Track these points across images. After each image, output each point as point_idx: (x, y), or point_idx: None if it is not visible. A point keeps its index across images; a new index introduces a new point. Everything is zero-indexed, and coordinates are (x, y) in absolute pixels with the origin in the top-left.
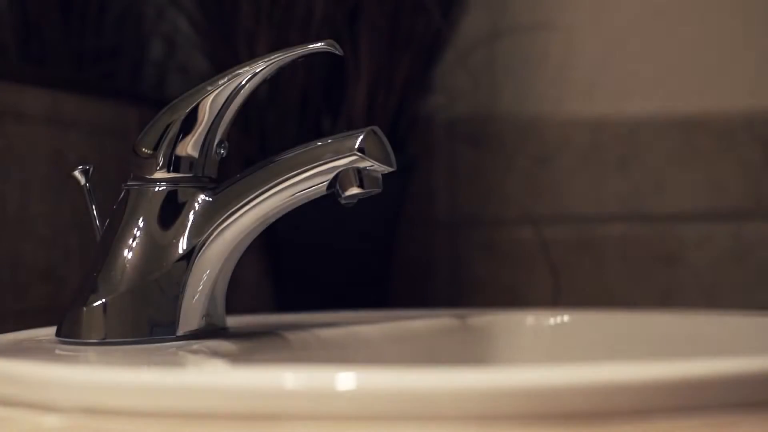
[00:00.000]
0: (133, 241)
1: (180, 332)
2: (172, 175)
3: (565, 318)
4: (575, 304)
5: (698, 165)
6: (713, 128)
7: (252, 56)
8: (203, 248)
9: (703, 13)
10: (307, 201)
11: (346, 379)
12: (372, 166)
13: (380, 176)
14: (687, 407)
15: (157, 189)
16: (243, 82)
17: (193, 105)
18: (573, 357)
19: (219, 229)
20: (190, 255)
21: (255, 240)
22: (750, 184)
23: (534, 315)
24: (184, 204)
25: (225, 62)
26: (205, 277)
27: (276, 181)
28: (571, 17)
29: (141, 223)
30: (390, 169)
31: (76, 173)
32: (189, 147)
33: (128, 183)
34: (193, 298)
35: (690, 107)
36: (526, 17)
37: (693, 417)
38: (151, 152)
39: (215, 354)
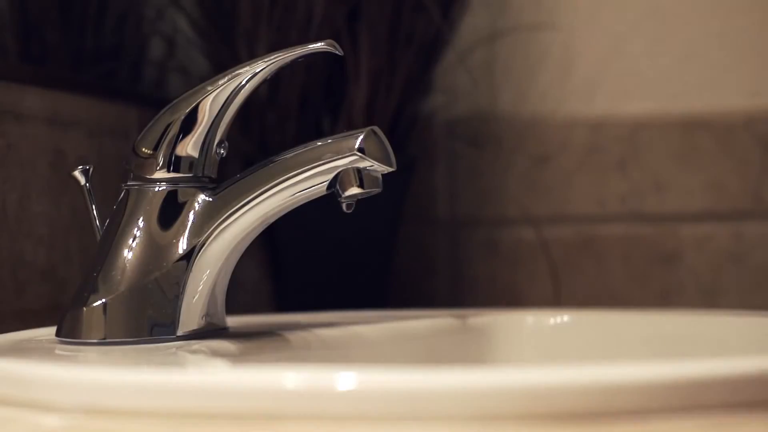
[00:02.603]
0: (133, 241)
1: (180, 332)
2: (172, 175)
3: (565, 318)
4: (575, 304)
5: (698, 165)
6: (713, 128)
7: (252, 56)
8: (203, 248)
9: (703, 13)
10: (307, 201)
11: (346, 379)
12: (372, 166)
13: (380, 176)
14: (687, 407)
15: (157, 189)
16: (243, 82)
17: (193, 105)
18: (573, 357)
19: (219, 229)
20: (190, 255)
21: (255, 240)
22: (750, 184)
23: (534, 315)
24: (184, 204)
25: (225, 62)
26: (205, 277)
27: (276, 181)
28: (571, 17)
29: (141, 223)
30: (390, 169)
31: (76, 173)
32: (189, 147)
33: (128, 183)
34: (193, 298)
35: (690, 107)
36: (526, 17)
37: (693, 417)
38: (151, 152)
39: (215, 354)
